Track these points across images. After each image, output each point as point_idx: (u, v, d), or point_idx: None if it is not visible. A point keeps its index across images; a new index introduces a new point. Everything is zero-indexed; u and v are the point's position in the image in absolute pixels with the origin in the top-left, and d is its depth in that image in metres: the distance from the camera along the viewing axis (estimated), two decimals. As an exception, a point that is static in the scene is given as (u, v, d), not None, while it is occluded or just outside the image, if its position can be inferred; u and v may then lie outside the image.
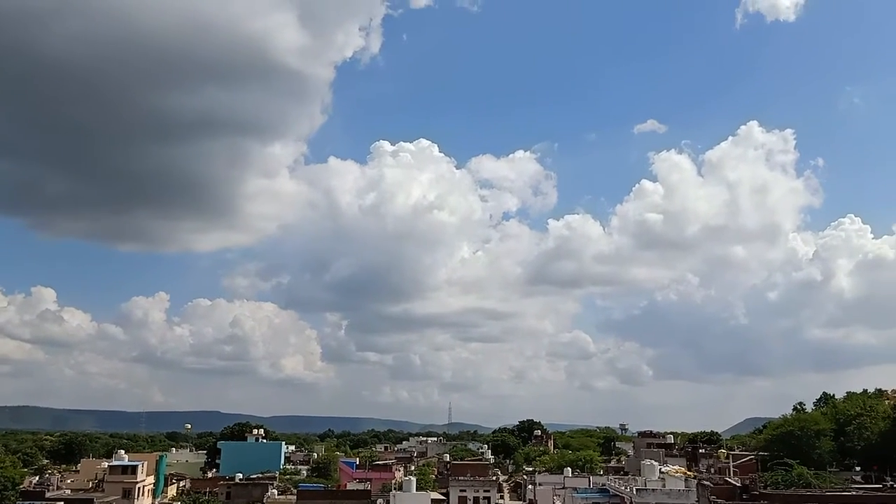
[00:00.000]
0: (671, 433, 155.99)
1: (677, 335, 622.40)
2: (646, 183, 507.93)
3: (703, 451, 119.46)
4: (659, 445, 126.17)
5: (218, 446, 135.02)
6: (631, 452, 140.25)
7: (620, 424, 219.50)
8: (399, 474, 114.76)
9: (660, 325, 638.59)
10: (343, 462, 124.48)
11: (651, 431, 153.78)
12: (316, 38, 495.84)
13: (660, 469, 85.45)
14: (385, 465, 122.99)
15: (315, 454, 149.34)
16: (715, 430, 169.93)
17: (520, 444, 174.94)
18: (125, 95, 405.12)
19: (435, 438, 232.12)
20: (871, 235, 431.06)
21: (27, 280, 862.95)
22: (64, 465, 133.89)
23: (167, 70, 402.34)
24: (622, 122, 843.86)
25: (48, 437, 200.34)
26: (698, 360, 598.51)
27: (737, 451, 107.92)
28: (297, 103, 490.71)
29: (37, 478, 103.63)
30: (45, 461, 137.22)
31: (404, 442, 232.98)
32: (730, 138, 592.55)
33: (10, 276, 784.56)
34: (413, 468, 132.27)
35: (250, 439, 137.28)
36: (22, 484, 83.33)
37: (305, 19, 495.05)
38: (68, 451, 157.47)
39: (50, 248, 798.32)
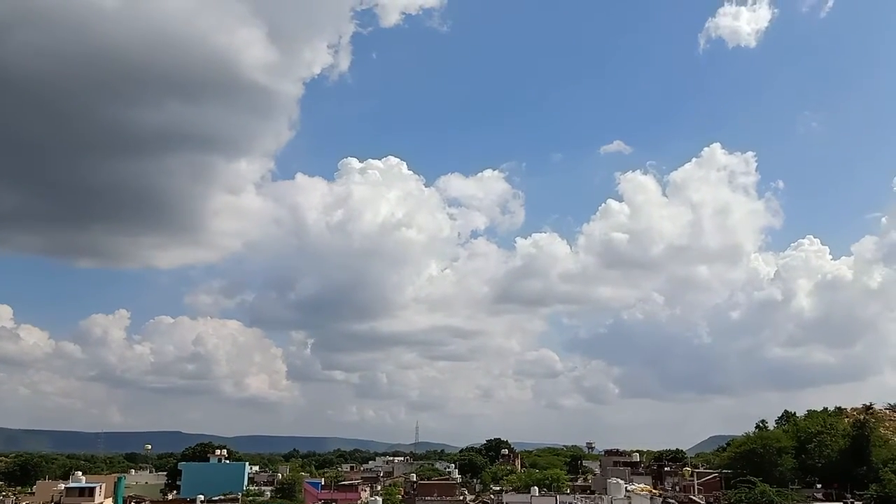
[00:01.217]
0: (637, 451, 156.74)
1: (643, 354, 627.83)
2: (612, 203, 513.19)
3: (669, 469, 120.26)
4: (625, 464, 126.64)
5: (179, 467, 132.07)
6: (598, 471, 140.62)
7: (587, 443, 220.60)
8: (365, 494, 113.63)
9: (626, 344, 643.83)
10: (308, 483, 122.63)
11: (617, 450, 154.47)
12: (284, 55, 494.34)
13: (626, 487, 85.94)
14: (351, 485, 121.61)
15: (279, 475, 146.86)
16: (680, 448, 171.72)
17: (487, 463, 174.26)
18: (83, 109, 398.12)
19: (402, 458, 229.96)
20: (830, 256, 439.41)
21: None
22: (19, 487, 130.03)
23: (128, 83, 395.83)
24: (589, 143, 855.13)
25: (2, 457, 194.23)
26: (663, 379, 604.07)
27: (701, 469, 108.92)
28: (263, 119, 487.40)
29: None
30: (0, 483, 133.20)
31: (371, 462, 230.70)
32: (693, 160, 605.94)
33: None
34: (379, 488, 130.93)
35: (213, 460, 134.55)
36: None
37: (274, 35, 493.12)
38: (23, 472, 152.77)
39: (5, 263, 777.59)
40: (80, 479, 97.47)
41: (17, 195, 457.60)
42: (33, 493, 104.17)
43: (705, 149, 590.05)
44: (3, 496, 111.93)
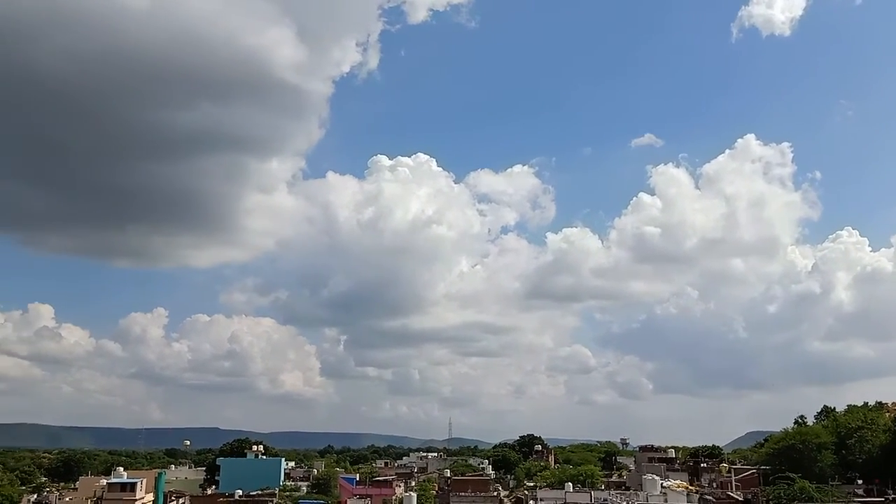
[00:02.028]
0: (672, 447, 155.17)
1: (677, 349, 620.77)
2: (643, 196, 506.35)
3: (705, 465, 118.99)
4: (660, 460, 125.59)
5: (217, 463, 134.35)
6: (632, 467, 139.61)
7: (621, 439, 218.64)
8: (399, 490, 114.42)
9: (659, 339, 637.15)
10: (343, 478, 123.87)
11: (652, 446, 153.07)
12: (313, 54, 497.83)
13: (661, 484, 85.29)
14: (385, 480, 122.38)
15: (315, 470, 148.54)
16: (716, 444, 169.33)
17: (520, 459, 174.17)
18: (117, 111, 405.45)
19: (435, 454, 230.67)
20: (869, 248, 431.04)
21: (24, 296, 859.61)
22: (62, 483, 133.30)
23: (161, 86, 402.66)
24: (619, 136, 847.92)
25: (46, 454, 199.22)
26: (698, 374, 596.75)
27: (738, 465, 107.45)
28: (294, 118, 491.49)
29: (35, 496, 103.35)
30: (44, 479, 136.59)
31: (404, 457, 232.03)
32: (727, 151, 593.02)
33: (6, 292, 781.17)
34: (413, 484, 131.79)
35: (249, 455, 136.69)
36: (20, 502, 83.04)
37: (303, 35, 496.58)
38: (67, 468, 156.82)
39: (46, 265, 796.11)
40: (122, 475, 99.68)
41: (56, 198, 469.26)
42: (76, 489, 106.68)
43: (739, 140, 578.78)
44: (48, 492, 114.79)
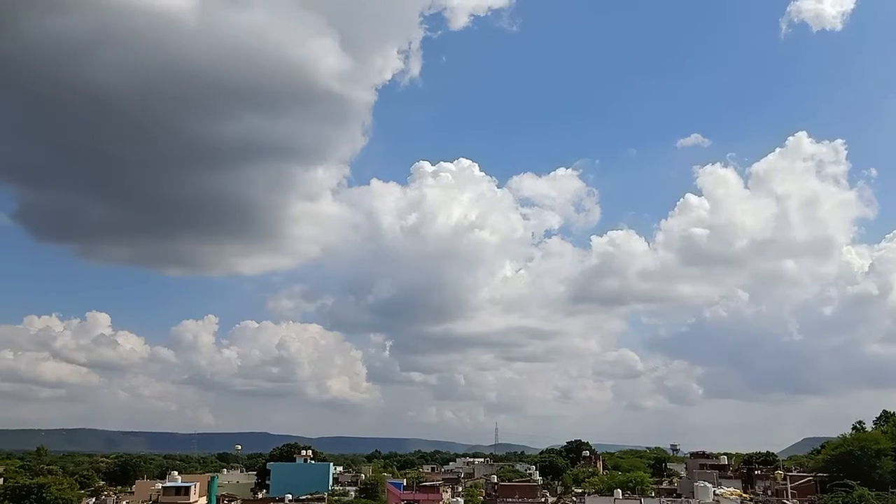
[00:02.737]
0: (724, 454, 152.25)
1: (727, 353, 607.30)
2: (690, 197, 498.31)
3: (759, 472, 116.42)
4: (712, 466, 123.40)
5: (267, 467, 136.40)
6: (683, 474, 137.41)
7: (671, 445, 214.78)
8: (447, 495, 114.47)
9: (709, 343, 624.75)
10: (390, 483, 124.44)
11: (704, 452, 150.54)
12: (356, 62, 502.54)
13: (714, 491, 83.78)
14: (432, 486, 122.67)
15: (363, 475, 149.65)
16: (770, 451, 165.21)
17: (568, 465, 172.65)
18: (166, 123, 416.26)
19: (482, 459, 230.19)
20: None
21: (82, 305, 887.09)
22: (119, 487, 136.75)
23: (209, 98, 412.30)
24: (665, 137, 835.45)
25: (104, 458, 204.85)
26: (750, 378, 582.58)
27: (794, 473, 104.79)
28: (338, 127, 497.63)
29: (93, 499, 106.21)
30: (102, 483, 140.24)
31: (451, 463, 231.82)
32: (777, 150, 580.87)
33: (66, 301, 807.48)
34: (461, 489, 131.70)
35: (298, 460, 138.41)
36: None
37: (346, 44, 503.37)
38: (123, 472, 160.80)
39: (102, 274, 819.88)
40: (176, 479, 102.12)
41: (109, 209, 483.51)
42: (133, 493, 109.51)
43: (790, 138, 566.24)
44: (106, 495, 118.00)
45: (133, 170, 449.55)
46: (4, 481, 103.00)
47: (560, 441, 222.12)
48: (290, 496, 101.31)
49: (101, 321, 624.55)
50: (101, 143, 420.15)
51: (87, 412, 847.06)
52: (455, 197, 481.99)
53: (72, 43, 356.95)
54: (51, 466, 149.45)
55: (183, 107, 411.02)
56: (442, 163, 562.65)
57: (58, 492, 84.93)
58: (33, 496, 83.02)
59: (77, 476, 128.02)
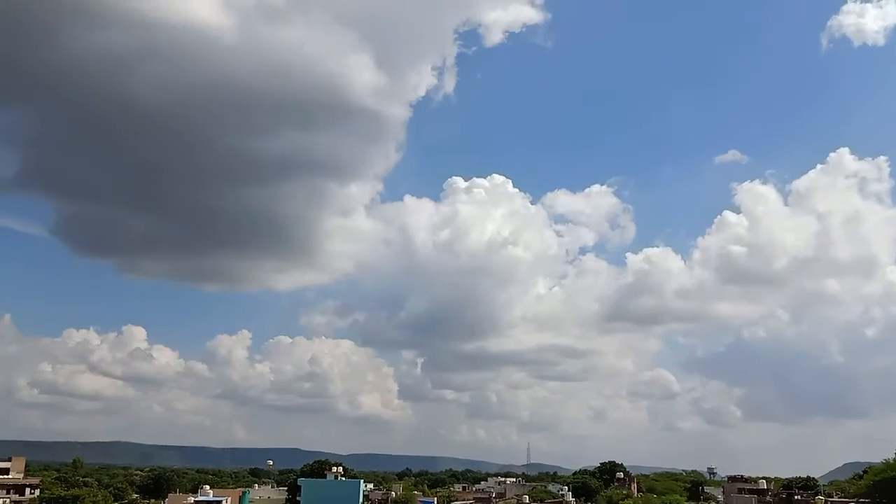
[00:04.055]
0: (763, 478, 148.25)
1: (767, 374, 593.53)
2: (728, 214, 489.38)
3: (800, 497, 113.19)
4: (751, 491, 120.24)
5: (298, 483, 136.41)
6: (721, 498, 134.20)
7: (708, 468, 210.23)
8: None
9: (748, 364, 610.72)
10: (421, 501, 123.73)
11: (742, 476, 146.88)
12: (391, 79, 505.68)
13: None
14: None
15: (393, 493, 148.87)
16: (811, 476, 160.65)
17: (602, 486, 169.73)
18: (206, 139, 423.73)
19: (514, 479, 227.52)
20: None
21: (118, 319, 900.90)
22: (152, 500, 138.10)
23: (247, 114, 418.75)
24: (701, 153, 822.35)
25: (138, 472, 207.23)
26: (790, 401, 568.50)
27: (836, 498, 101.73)
28: (373, 143, 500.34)
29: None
30: (135, 496, 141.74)
31: (482, 482, 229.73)
32: (818, 167, 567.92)
33: (103, 315, 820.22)
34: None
35: (329, 476, 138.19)
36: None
37: (381, 60, 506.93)
38: (157, 486, 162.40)
39: (138, 288, 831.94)
40: (208, 493, 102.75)
41: (147, 224, 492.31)
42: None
43: (831, 154, 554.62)
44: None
45: (171, 185, 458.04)
46: (40, 492, 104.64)
47: (593, 462, 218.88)
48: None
49: (137, 335, 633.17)
50: (140, 157, 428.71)
51: (123, 425, 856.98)
52: (488, 213, 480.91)
53: (113, 58, 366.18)
54: (86, 479, 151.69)
55: (221, 122, 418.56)
56: (475, 178, 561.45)
57: (92, 503, 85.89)
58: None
59: (111, 489, 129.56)
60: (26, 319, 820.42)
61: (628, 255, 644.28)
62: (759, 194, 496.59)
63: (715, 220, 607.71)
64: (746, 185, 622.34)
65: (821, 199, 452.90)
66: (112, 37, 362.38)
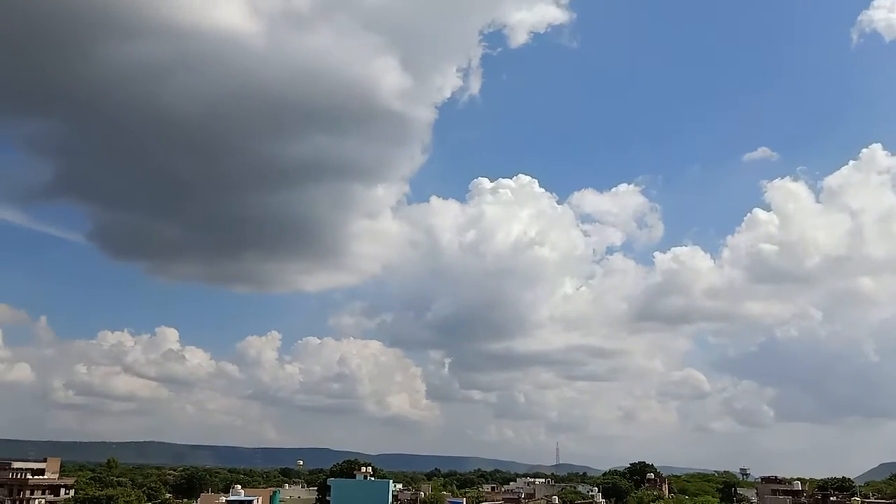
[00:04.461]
0: (798, 479, 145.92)
1: (800, 374, 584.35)
2: (758, 212, 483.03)
3: (835, 498, 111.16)
4: (785, 492, 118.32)
5: (328, 483, 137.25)
6: (754, 499, 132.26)
7: (741, 469, 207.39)
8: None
9: (780, 364, 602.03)
10: (450, 502, 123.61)
11: (775, 477, 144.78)
12: (417, 81, 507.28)
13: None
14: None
15: (422, 493, 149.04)
16: (846, 476, 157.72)
17: (632, 487, 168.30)
18: (235, 146, 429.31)
19: (543, 480, 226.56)
20: None
21: (152, 321, 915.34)
22: (185, 500, 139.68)
23: (276, 120, 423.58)
24: (730, 151, 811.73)
25: (171, 471, 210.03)
26: (824, 401, 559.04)
27: (872, 499, 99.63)
28: (399, 145, 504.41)
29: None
30: (168, 495, 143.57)
31: (511, 483, 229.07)
32: (850, 163, 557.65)
33: (137, 317, 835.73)
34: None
35: (358, 476, 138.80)
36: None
37: (407, 63, 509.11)
38: (189, 485, 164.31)
39: (171, 291, 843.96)
40: (239, 493, 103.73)
41: (179, 229, 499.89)
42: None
43: (864, 150, 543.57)
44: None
45: (202, 190, 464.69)
46: (75, 492, 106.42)
47: (623, 463, 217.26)
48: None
49: (170, 336, 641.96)
50: (170, 164, 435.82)
51: (157, 425, 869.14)
52: (514, 213, 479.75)
53: (145, 69, 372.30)
54: (120, 478, 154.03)
55: (251, 128, 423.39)
56: (501, 179, 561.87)
57: (125, 503, 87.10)
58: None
59: (145, 488, 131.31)
60: (62, 322, 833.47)
61: (656, 254, 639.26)
62: (789, 192, 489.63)
63: (745, 219, 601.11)
64: (777, 182, 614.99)
65: (853, 195, 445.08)
66: (144, 48, 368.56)
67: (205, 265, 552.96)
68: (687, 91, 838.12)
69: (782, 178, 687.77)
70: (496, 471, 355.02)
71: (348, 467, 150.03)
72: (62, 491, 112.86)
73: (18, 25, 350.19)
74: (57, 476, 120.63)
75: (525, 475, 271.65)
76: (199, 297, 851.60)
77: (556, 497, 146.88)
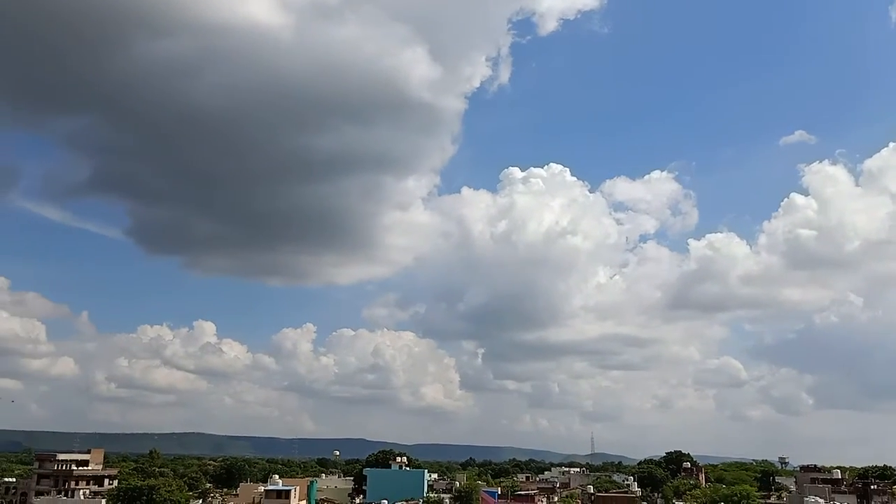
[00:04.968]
0: (838, 467, 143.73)
1: (840, 360, 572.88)
2: (796, 197, 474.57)
3: (876, 487, 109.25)
4: (825, 481, 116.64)
5: (364, 473, 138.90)
6: (793, 488, 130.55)
7: (780, 458, 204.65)
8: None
9: (819, 350, 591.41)
10: (485, 492, 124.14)
11: (815, 465, 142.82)
12: (446, 71, 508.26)
13: (826, 507, 79.14)
14: (527, 495, 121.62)
15: (457, 483, 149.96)
16: (888, 465, 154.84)
17: (668, 476, 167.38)
18: (267, 139, 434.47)
19: (578, 469, 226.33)
20: None
21: (190, 314, 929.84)
22: (225, 489, 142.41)
23: (306, 113, 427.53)
24: (766, 135, 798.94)
25: (211, 462, 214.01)
26: (865, 388, 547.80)
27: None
28: (429, 136, 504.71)
29: (200, 501, 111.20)
30: (208, 485, 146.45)
31: (546, 472, 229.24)
32: (891, 145, 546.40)
33: (176, 311, 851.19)
34: (556, 499, 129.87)
35: (394, 467, 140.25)
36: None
37: (435, 53, 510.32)
38: (229, 475, 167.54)
39: (207, 285, 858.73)
40: (277, 482, 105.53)
41: (215, 223, 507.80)
42: (237, 495, 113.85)
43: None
44: (212, 497, 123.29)
45: (235, 184, 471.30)
46: (118, 483, 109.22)
47: (659, 452, 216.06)
48: (385, 502, 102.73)
49: (208, 330, 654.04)
50: (204, 159, 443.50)
51: (196, 417, 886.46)
52: (546, 203, 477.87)
53: (177, 65, 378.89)
54: (162, 469, 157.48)
55: (281, 122, 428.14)
56: (532, 168, 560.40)
57: (167, 493, 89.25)
58: (144, 497, 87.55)
59: (186, 478, 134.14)
60: (103, 316, 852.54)
61: (691, 241, 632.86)
62: (828, 175, 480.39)
63: (781, 204, 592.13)
64: (815, 165, 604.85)
65: (894, 178, 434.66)
66: (174, 45, 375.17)
67: (239, 259, 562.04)
68: (720, 74, 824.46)
69: (820, 162, 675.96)
70: (531, 460, 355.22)
71: (384, 457, 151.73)
72: (106, 482, 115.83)
73: (54, 27, 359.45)
74: (101, 467, 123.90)
75: (560, 464, 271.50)
76: (234, 290, 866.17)
77: (591, 486, 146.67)
